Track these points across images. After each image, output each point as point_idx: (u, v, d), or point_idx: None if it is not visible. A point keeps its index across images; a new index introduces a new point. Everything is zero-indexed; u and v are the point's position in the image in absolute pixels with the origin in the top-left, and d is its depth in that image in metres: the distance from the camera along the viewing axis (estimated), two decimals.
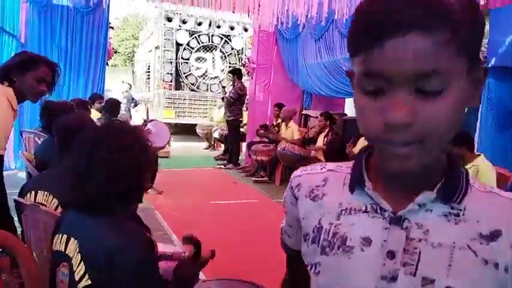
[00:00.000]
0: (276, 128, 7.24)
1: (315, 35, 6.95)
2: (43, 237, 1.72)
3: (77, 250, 1.24)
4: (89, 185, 1.24)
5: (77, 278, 1.21)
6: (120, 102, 5.66)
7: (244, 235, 4.37)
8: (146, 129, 5.42)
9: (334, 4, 5.94)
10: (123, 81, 11.24)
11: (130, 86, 11.27)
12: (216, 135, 9.78)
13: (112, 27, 7.55)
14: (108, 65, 7.48)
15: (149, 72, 12.46)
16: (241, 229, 4.56)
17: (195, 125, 10.87)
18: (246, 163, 7.76)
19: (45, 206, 1.75)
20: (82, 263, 1.21)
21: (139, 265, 1.19)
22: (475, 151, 4.46)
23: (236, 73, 7.91)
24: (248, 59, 8.48)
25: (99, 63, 6.82)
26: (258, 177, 6.97)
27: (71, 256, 1.24)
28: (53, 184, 1.78)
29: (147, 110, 12.59)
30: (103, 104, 5.71)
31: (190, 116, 11.26)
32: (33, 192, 1.79)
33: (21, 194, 1.84)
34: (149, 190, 5.54)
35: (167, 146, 8.48)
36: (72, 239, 1.26)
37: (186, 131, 11.90)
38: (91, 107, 6.09)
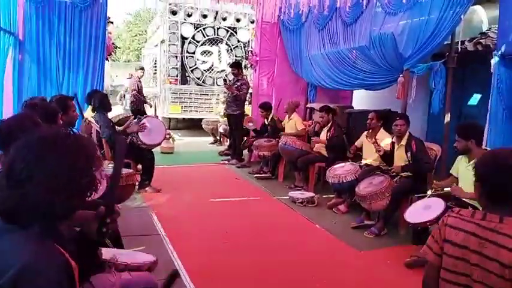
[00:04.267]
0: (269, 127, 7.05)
1: (318, 24, 6.70)
2: None
3: None
4: (14, 192, 1.09)
5: None
6: (107, 95, 5.52)
7: (239, 234, 4.22)
8: (141, 124, 5.29)
9: None
10: (127, 78, 11.16)
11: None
12: (221, 130, 9.62)
13: (111, 22, 7.41)
14: (108, 60, 7.36)
15: (156, 67, 12.35)
16: (236, 228, 4.41)
17: (202, 119, 10.72)
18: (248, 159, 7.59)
19: None
20: None
21: None
22: (484, 145, 4.20)
23: (239, 66, 7.73)
24: (251, 51, 8.27)
25: (98, 58, 6.67)
26: (261, 174, 6.79)
27: None
28: None
29: (155, 105, 12.51)
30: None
31: (197, 111, 11.12)
32: None
33: None
34: (147, 188, 5.44)
35: (170, 141, 8.39)
36: None
37: (193, 126, 11.78)
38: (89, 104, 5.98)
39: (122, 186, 3.75)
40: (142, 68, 9.73)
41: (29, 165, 1.10)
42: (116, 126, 5.65)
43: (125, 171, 4.11)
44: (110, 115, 5.75)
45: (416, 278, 3.40)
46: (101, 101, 5.25)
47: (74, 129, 4.06)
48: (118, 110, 10.49)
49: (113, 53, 7.72)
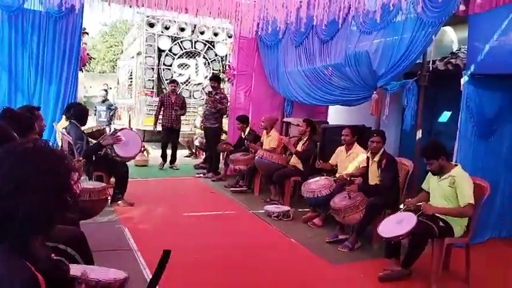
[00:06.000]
0: (246, 141, 7.05)
1: (295, 41, 6.80)
2: None
3: None
4: None
5: None
6: (87, 110, 5.43)
7: (213, 248, 4.16)
8: (116, 136, 5.20)
9: (313, 10, 5.81)
10: (101, 90, 10.97)
11: (107, 92, 10.99)
12: (197, 143, 9.57)
13: (87, 33, 7.30)
14: (82, 71, 7.24)
15: (132, 78, 12.23)
16: (210, 242, 4.35)
17: None
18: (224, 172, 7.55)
19: None
20: None
21: None
22: (454, 160, 4.33)
23: (219, 80, 7.77)
24: (229, 65, 8.31)
25: (71, 69, 6.56)
26: (237, 187, 6.76)
27: None
28: None
29: (129, 117, 12.36)
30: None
31: None
32: None
33: None
34: (119, 202, 5.33)
35: (145, 154, 8.27)
36: None
37: None
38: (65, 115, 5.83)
39: (94, 201, 3.66)
40: (173, 81, 8.66)
41: (9, 181, 1.08)
42: (90, 139, 5.54)
43: (97, 185, 4.02)
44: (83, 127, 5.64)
45: None
46: (80, 114, 5.13)
47: (47, 140, 3.97)
48: (91, 122, 10.28)
49: (87, 64, 7.59)
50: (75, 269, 1.88)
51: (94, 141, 5.34)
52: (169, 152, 8.26)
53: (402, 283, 3.53)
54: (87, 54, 7.33)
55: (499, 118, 4.62)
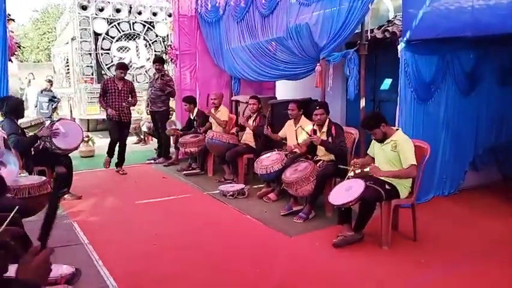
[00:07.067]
0: (195, 122, 6.91)
1: (236, 17, 6.67)
2: None
3: None
4: None
5: None
6: (22, 102, 5.08)
7: (169, 234, 4.10)
8: (55, 129, 4.91)
9: None
10: (27, 79, 10.29)
11: (51, 83, 10.38)
12: (144, 128, 9.29)
13: (12, 20, 6.74)
14: (11, 61, 6.69)
15: (68, 66, 11.56)
16: (166, 228, 4.28)
17: None
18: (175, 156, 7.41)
19: None
20: None
21: None
22: (397, 125, 4.49)
23: (163, 61, 7.50)
24: (171, 45, 8.05)
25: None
26: (190, 170, 6.67)
27: None
28: None
29: (70, 107, 11.76)
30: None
31: None
32: None
33: None
34: (66, 196, 5.10)
35: (90, 144, 7.93)
36: None
37: None
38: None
39: (35, 197, 3.46)
40: (122, 67, 6.82)
41: None
42: (27, 131, 5.21)
43: (36, 179, 3.79)
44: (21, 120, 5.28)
45: (342, 254, 3.57)
46: (14, 108, 4.78)
47: None
48: (32, 114, 9.71)
49: (16, 53, 7.03)
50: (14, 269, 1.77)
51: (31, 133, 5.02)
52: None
53: (355, 246, 3.68)
54: (16, 43, 6.79)
55: (436, 81, 4.83)
